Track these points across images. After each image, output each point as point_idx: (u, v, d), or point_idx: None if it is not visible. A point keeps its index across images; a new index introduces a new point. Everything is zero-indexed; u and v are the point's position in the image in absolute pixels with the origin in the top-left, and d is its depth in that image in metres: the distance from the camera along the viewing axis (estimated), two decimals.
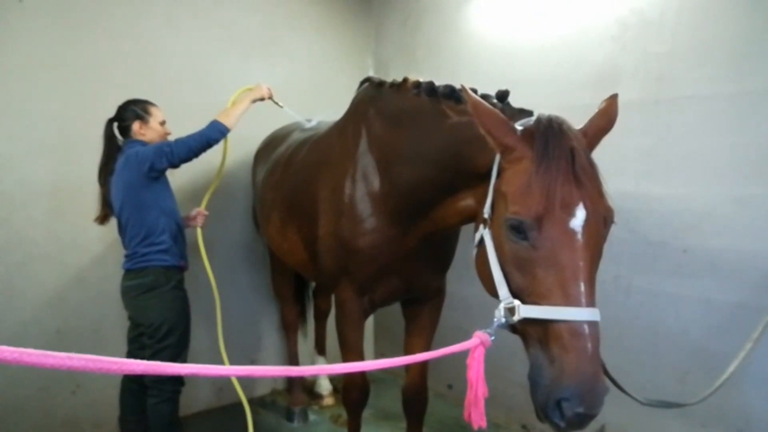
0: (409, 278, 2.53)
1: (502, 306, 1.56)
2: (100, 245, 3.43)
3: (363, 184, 2.42)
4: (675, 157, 2.76)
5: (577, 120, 1.72)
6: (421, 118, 2.15)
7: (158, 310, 2.73)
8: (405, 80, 2.32)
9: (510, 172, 1.61)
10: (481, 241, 1.72)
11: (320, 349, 4.30)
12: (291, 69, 4.28)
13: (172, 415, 2.78)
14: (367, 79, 2.65)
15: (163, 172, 2.77)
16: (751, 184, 2.52)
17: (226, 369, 1.12)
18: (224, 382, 3.83)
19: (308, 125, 3.48)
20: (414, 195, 2.21)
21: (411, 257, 2.42)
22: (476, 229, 1.78)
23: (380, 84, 2.49)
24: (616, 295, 3.01)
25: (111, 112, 2.85)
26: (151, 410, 2.77)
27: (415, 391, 2.78)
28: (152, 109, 2.90)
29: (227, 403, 3.94)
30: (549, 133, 1.54)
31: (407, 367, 2.80)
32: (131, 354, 2.91)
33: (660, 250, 2.83)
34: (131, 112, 2.84)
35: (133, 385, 2.90)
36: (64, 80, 3.29)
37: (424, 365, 2.76)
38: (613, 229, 3.06)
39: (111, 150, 2.86)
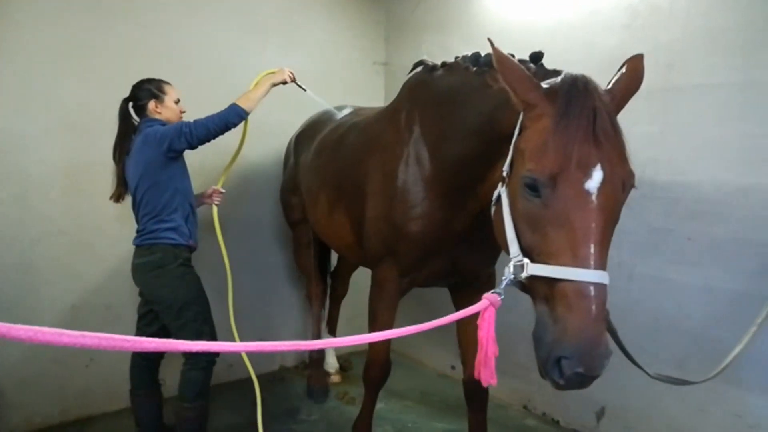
0: (455, 260, 2.51)
1: (511, 263, 1.57)
2: (114, 223, 3.49)
3: (416, 169, 2.42)
4: (682, 145, 2.77)
5: None
6: (467, 93, 2.14)
7: (168, 288, 2.77)
8: (456, 59, 2.32)
9: (530, 129, 1.59)
10: (499, 198, 1.72)
11: (331, 329, 4.37)
12: (305, 56, 4.30)
13: (203, 384, 2.84)
14: (421, 62, 2.60)
15: (181, 152, 2.79)
16: (757, 173, 2.53)
17: (238, 345, 1.14)
18: (235, 358, 3.89)
19: (340, 114, 3.46)
20: (460, 172, 2.20)
21: (459, 239, 2.42)
22: (495, 186, 1.78)
23: (434, 68, 2.47)
24: (619, 281, 3.04)
25: (128, 95, 2.89)
26: (182, 377, 2.82)
27: (478, 381, 2.73)
28: (167, 88, 2.91)
29: (237, 379, 4.02)
30: (572, 92, 1.52)
31: (465, 360, 2.78)
32: (139, 329, 2.98)
33: (664, 237, 2.86)
34: (146, 91, 2.86)
35: (142, 360, 2.97)
36: (83, 62, 3.34)
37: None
38: None
39: (126, 129, 2.88)
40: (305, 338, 4.21)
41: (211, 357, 2.86)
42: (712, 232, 2.68)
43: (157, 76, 2.95)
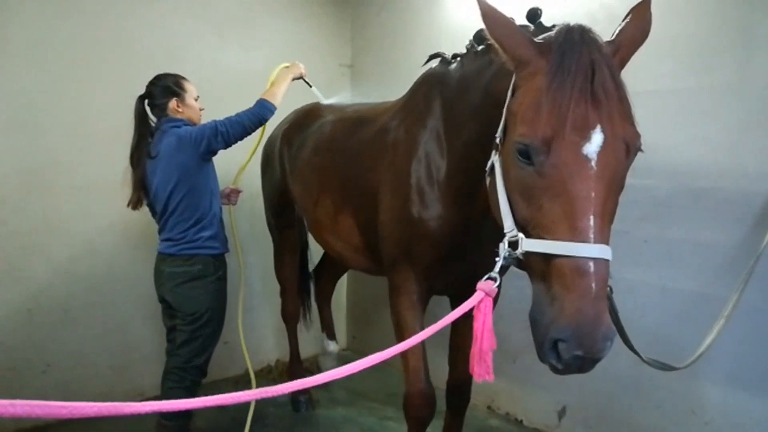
0: (474, 263, 2.26)
1: (506, 239, 1.45)
2: (69, 223, 3.40)
3: (430, 167, 2.25)
4: None
5: None
6: (474, 74, 2.02)
7: (201, 301, 2.66)
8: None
9: (522, 89, 1.45)
10: (492, 168, 1.58)
11: (329, 333, 4.16)
12: (268, 54, 4.21)
13: None
14: (436, 55, 2.44)
15: (216, 153, 2.65)
16: (708, 176, 2.61)
17: (195, 401, 1.00)
18: (223, 359, 3.84)
19: (326, 102, 3.30)
20: (473, 161, 1.97)
21: (476, 241, 2.24)
22: (490, 156, 1.64)
23: (449, 62, 2.32)
24: None
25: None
26: (164, 394, 2.71)
27: (462, 384, 2.68)
28: (186, 84, 2.75)
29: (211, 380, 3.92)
30: (567, 44, 1.38)
31: (453, 361, 2.70)
32: (170, 342, 2.85)
33: (621, 239, 2.90)
34: (164, 88, 2.69)
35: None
36: (35, 57, 3.23)
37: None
38: None
39: (143, 129, 2.71)
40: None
41: (198, 378, 2.75)
42: (666, 234, 2.76)
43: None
